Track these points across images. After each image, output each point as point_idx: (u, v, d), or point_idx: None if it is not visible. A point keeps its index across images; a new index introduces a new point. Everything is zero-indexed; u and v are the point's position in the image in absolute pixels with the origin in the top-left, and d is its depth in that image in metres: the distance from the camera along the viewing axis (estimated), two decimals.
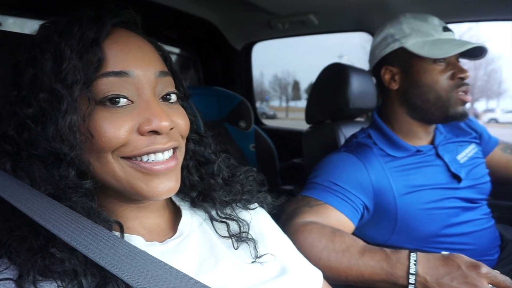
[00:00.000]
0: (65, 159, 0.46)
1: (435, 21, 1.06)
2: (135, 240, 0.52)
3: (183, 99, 0.61)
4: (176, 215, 0.62)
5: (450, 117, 1.03)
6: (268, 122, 2.55)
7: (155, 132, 0.49)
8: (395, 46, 1.06)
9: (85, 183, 0.48)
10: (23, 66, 0.49)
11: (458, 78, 1.00)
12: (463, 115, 1.03)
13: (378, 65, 1.12)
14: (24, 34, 0.61)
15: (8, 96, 0.49)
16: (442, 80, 1.01)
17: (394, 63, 1.07)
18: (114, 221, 0.49)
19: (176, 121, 0.52)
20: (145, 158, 0.49)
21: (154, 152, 0.50)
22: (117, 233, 0.48)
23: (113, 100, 0.47)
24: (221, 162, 0.64)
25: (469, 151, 1.15)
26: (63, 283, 0.41)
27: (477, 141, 1.21)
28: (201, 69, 2.41)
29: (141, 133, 0.48)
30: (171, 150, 0.52)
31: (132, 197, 0.51)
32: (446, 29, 1.05)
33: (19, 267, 0.41)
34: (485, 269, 0.70)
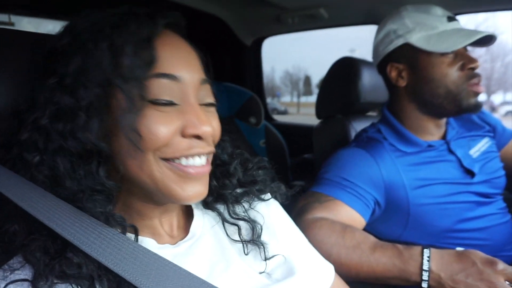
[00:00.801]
0: (98, 155, 0.46)
1: (438, 11, 1.02)
2: (147, 243, 0.52)
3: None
4: (188, 215, 0.62)
5: (463, 110, 1.00)
6: (280, 118, 2.54)
7: (196, 136, 0.49)
8: (399, 42, 1.02)
9: (111, 184, 0.47)
10: (69, 53, 0.47)
11: (468, 68, 0.97)
12: (477, 106, 0.99)
13: (383, 62, 1.09)
14: (37, 34, 0.62)
15: (46, 83, 0.47)
16: (452, 72, 0.97)
17: (399, 60, 1.04)
18: (129, 225, 0.48)
19: (213, 125, 0.53)
20: (183, 161, 0.50)
21: (193, 156, 0.50)
22: (131, 235, 0.48)
23: (162, 101, 0.47)
24: (237, 165, 0.64)
25: (482, 146, 1.12)
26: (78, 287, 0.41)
27: (491, 134, 1.18)
28: (210, 65, 2.41)
29: (184, 135, 0.49)
30: (206, 155, 0.53)
31: (163, 198, 0.51)
32: (451, 19, 1.00)
33: (35, 269, 0.41)
34: (501, 265, 0.69)
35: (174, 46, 0.51)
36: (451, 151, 1.05)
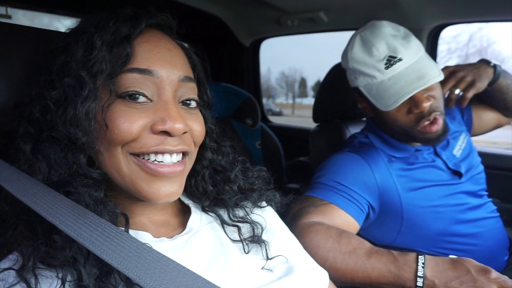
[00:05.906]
0: (77, 145, 0.47)
1: (381, 49, 0.96)
2: (143, 236, 0.52)
3: (205, 108, 0.62)
4: (185, 212, 0.62)
5: (424, 143, 1.04)
6: (274, 119, 2.53)
7: (167, 133, 0.49)
8: (352, 84, 1.06)
9: (93, 171, 0.49)
10: (56, 53, 0.51)
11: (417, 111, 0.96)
12: (437, 140, 1.00)
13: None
14: (35, 28, 0.62)
15: (40, 80, 0.51)
16: (401, 117, 0.99)
17: (361, 95, 1.06)
18: (120, 212, 0.49)
19: (192, 126, 0.53)
20: (152, 157, 0.50)
21: (162, 153, 0.50)
22: (122, 228, 0.48)
23: (132, 96, 0.49)
24: (238, 172, 0.64)
25: (461, 142, 1.15)
26: (63, 272, 0.42)
27: (463, 126, 1.22)
28: (208, 65, 2.41)
29: (153, 131, 0.49)
30: (180, 154, 0.53)
31: (133, 195, 0.52)
32: (390, 62, 0.95)
33: (22, 254, 0.42)
34: (494, 274, 0.70)
35: (154, 43, 0.52)
36: (437, 154, 1.08)
